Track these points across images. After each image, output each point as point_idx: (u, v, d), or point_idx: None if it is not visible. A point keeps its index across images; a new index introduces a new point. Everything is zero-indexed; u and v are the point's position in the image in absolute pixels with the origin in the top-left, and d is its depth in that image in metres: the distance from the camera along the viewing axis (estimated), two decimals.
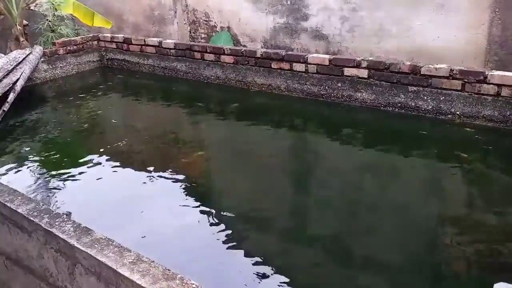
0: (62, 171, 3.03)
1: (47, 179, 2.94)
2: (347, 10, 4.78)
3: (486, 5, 4.01)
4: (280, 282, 1.96)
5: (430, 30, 4.33)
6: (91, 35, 5.74)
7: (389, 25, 4.56)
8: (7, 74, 4.22)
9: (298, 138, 3.61)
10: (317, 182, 2.90)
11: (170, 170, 2.95)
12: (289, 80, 4.22)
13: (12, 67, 4.30)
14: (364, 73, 3.80)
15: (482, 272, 2.01)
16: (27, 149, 3.42)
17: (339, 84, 3.95)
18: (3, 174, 3.00)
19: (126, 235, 2.18)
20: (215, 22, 5.94)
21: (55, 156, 3.33)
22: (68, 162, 3.20)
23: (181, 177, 2.86)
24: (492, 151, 3.10)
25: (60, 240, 1.60)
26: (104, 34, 5.72)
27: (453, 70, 3.41)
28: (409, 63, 3.61)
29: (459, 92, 3.41)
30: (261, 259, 2.10)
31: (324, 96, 4.06)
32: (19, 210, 1.77)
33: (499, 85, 3.25)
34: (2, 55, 4.61)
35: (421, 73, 3.53)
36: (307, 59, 4.06)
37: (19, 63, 4.46)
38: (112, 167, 3.06)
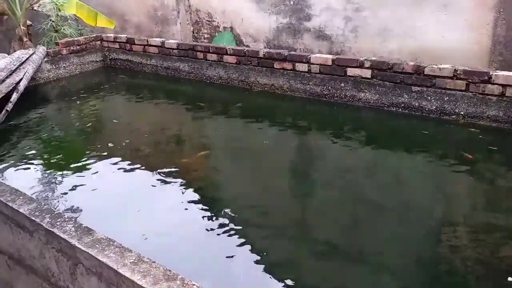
0: (64, 171, 3.03)
1: (49, 178, 2.94)
2: (350, 10, 4.76)
3: (491, 5, 3.99)
4: (282, 282, 1.94)
5: (434, 30, 4.31)
6: (94, 35, 5.75)
7: (392, 25, 4.54)
8: (10, 74, 4.23)
9: (301, 138, 3.59)
10: (321, 183, 2.88)
11: (172, 169, 2.95)
12: (292, 80, 4.21)
13: (15, 67, 4.32)
14: (367, 73, 3.79)
15: (488, 274, 1.99)
16: (29, 148, 3.42)
17: (342, 84, 3.94)
18: (6, 174, 3.00)
19: (128, 235, 2.18)
20: (218, 22, 5.93)
21: (57, 156, 3.33)
22: (71, 162, 3.20)
23: (183, 177, 2.86)
24: (497, 151, 3.08)
25: (61, 240, 1.60)
26: (107, 34, 5.73)
27: (457, 70, 3.39)
28: (413, 63, 3.59)
29: (463, 92, 3.39)
30: (264, 259, 2.09)
31: (327, 96, 4.04)
32: (21, 210, 1.78)
33: (504, 85, 3.23)
34: (6, 55, 4.62)
35: (425, 73, 3.51)
36: (310, 59, 4.05)
37: (23, 63, 4.47)
38: (115, 166, 3.05)
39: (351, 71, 3.86)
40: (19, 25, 5.89)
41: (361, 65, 3.80)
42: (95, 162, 3.12)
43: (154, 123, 4.02)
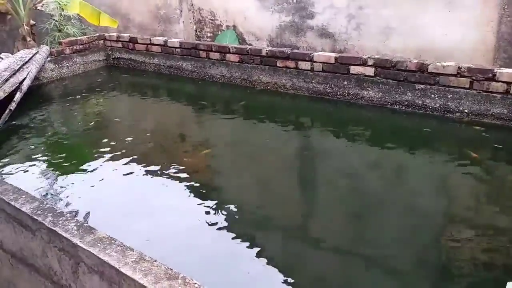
0: (67, 170, 3.04)
1: (52, 177, 2.95)
2: (353, 8, 4.74)
3: (495, 2, 3.96)
4: (285, 282, 1.94)
5: (437, 27, 4.29)
6: (97, 34, 5.76)
7: (395, 23, 4.52)
8: (14, 74, 4.24)
9: (304, 136, 3.58)
10: (324, 181, 2.87)
11: (175, 168, 2.94)
12: (295, 79, 4.20)
13: (18, 66, 4.33)
14: (370, 71, 3.77)
15: (494, 272, 1.98)
16: (32, 148, 3.43)
17: (345, 82, 3.92)
18: (8, 173, 3.01)
19: (129, 234, 2.18)
20: (220, 21, 5.93)
21: (60, 155, 3.34)
22: (74, 161, 3.21)
23: (186, 175, 2.85)
24: (502, 149, 3.06)
25: (63, 239, 1.60)
26: (110, 34, 5.74)
27: (461, 68, 3.36)
28: (416, 61, 3.57)
29: (467, 90, 3.37)
30: (267, 259, 2.08)
31: (330, 94, 4.03)
32: (23, 209, 1.77)
33: (508, 83, 3.20)
34: (9, 54, 4.64)
35: (428, 71, 3.49)
36: (312, 57, 4.04)
37: (26, 62, 4.48)
38: (118, 165, 3.05)
39: (354, 69, 3.84)
40: (23, 24, 5.91)
41: (364, 63, 3.78)
42: (98, 161, 3.12)
43: (157, 122, 4.02)
